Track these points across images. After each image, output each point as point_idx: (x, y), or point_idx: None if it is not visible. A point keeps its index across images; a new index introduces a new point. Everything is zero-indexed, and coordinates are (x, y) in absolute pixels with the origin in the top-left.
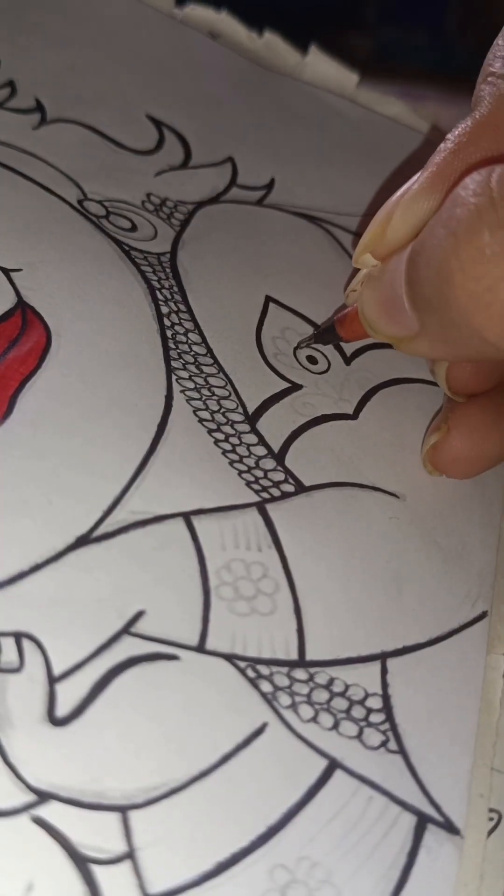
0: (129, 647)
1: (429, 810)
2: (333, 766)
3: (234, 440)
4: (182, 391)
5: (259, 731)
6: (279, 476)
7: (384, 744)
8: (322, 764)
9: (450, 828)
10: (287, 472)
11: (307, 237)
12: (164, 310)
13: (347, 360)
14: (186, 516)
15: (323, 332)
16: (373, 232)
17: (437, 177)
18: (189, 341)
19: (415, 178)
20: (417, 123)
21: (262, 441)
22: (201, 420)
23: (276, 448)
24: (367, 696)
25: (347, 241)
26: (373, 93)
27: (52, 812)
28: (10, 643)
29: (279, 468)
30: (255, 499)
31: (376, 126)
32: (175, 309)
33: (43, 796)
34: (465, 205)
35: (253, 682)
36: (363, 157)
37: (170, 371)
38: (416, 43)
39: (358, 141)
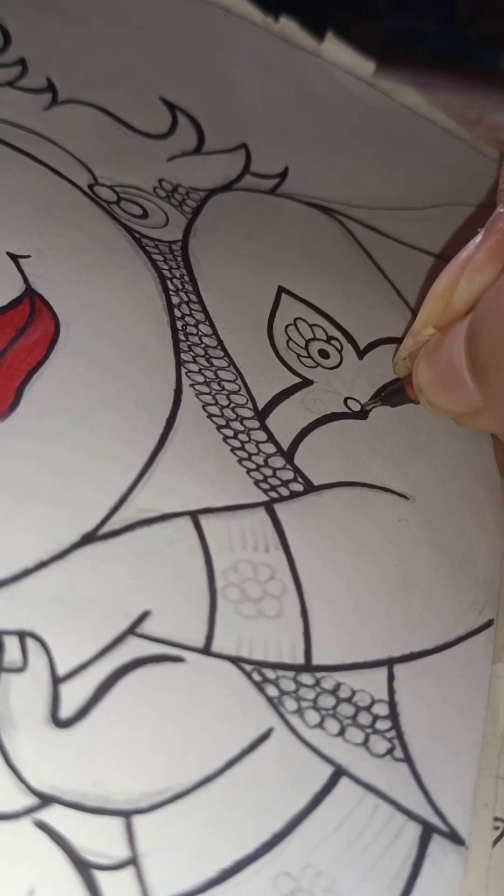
0: (134, 648)
1: (434, 820)
2: (339, 773)
3: (244, 437)
4: (191, 385)
5: (265, 737)
6: (288, 475)
7: (390, 751)
8: (328, 771)
9: (455, 838)
10: (296, 470)
11: (320, 227)
12: (175, 300)
13: (360, 355)
14: (194, 515)
15: (391, 393)
16: (436, 302)
17: (501, 245)
18: (199, 333)
19: (474, 243)
20: (434, 115)
21: (271, 438)
22: (210, 415)
23: (285, 446)
24: (373, 702)
25: (361, 233)
26: (388, 82)
27: (54, 816)
28: (13, 642)
29: (288, 466)
30: (264, 498)
31: (394, 114)
32: (186, 299)
33: (45, 800)
34: None
35: (259, 686)
36: (379, 146)
37: (179, 364)
38: (427, 31)
39: (375, 129)
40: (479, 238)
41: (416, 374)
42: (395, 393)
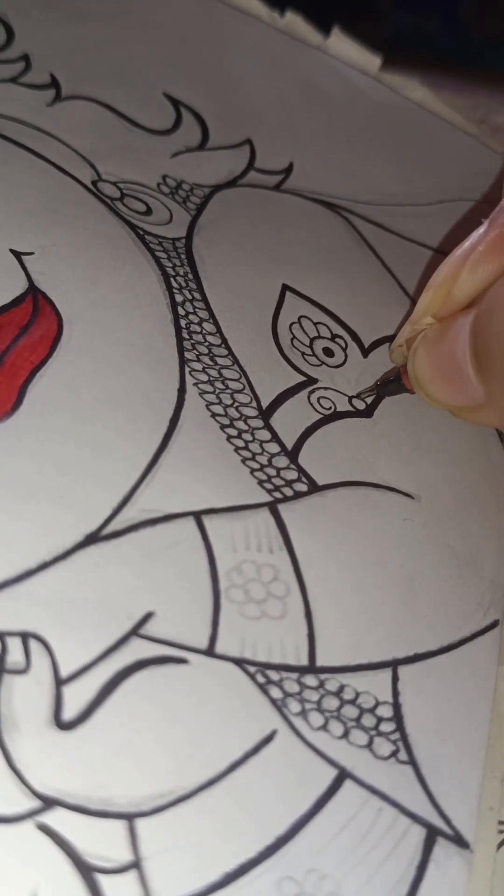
0: (137, 650)
1: (438, 823)
2: (343, 775)
3: (248, 436)
4: (195, 384)
5: (268, 739)
6: (292, 475)
7: (394, 754)
8: (332, 773)
9: (459, 841)
10: (300, 470)
11: (325, 224)
12: (179, 298)
13: (365, 353)
14: (197, 516)
15: (387, 383)
16: (436, 291)
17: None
18: (203, 331)
19: (478, 234)
20: (440, 110)
21: (275, 437)
22: (214, 415)
23: (289, 445)
24: (377, 704)
25: (366, 229)
26: (396, 77)
27: (57, 819)
28: (16, 643)
29: (292, 466)
30: (268, 498)
31: (400, 109)
32: (190, 297)
33: (48, 802)
34: None
35: (262, 688)
36: (385, 142)
37: (183, 363)
38: (431, 31)
39: (381, 124)
40: (482, 229)
41: (414, 364)
42: (390, 382)
